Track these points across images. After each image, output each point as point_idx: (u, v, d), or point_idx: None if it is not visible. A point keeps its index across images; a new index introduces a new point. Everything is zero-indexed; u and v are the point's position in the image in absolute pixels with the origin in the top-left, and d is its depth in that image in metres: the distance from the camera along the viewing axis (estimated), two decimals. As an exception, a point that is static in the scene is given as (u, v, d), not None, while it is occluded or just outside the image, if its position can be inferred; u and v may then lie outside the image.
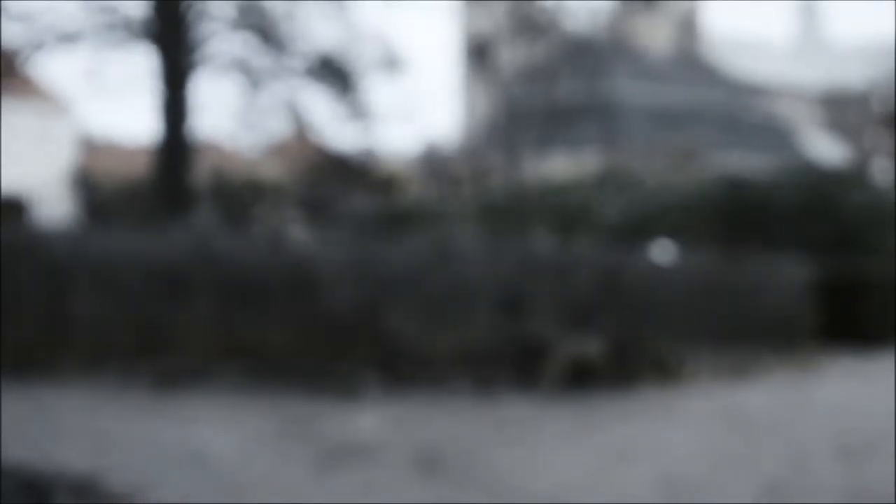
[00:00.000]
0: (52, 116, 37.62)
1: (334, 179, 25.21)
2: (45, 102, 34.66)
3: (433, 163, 28.47)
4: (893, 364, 8.97)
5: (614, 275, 7.69)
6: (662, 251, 9.32)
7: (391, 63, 21.29)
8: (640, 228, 16.28)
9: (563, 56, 9.72)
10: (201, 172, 28.70)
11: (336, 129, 22.17)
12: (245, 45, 21.64)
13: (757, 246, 14.97)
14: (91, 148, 46.17)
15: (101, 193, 34.67)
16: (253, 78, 21.48)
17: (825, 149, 51.70)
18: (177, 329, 6.76)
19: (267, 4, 20.79)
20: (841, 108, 63.21)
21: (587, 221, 13.97)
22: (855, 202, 14.82)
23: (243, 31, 21.26)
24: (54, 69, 53.68)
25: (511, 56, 11.35)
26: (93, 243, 6.96)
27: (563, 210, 16.09)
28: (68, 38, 19.80)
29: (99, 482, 3.92)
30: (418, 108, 26.59)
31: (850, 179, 15.11)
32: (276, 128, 23.90)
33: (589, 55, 9.48)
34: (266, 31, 21.01)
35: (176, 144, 20.46)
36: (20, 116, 31.08)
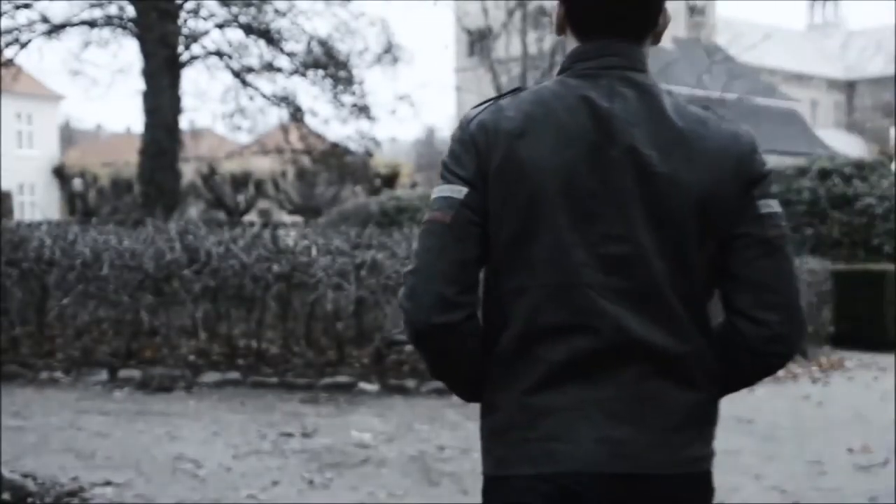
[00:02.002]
0: (39, 109, 37.67)
1: (331, 172, 25.11)
2: (31, 95, 34.71)
3: (431, 155, 28.29)
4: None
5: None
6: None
7: (389, 53, 21.13)
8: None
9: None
10: (194, 165, 28.54)
11: (333, 121, 22.05)
12: (238, 39, 21.53)
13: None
14: (77, 141, 46.12)
15: (87, 188, 34.71)
16: (247, 71, 21.35)
17: (841, 141, 51.28)
18: (166, 331, 6.61)
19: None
20: (859, 98, 62.60)
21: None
22: (872, 198, 14.49)
23: (236, 28, 21.13)
24: (41, 62, 54.20)
25: (511, 47, 11.12)
26: (78, 240, 6.78)
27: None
28: (56, 30, 19.77)
29: (85, 493, 3.81)
30: (416, 98, 26.51)
31: (867, 174, 14.78)
32: (272, 120, 23.81)
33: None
34: (260, 28, 20.86)
35: (163, 139, 20.38)
36: (5, 108, 31.15)
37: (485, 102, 1.43)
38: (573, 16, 1.40)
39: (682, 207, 1.35)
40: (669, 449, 1.34)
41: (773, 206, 1.47)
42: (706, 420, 1.39)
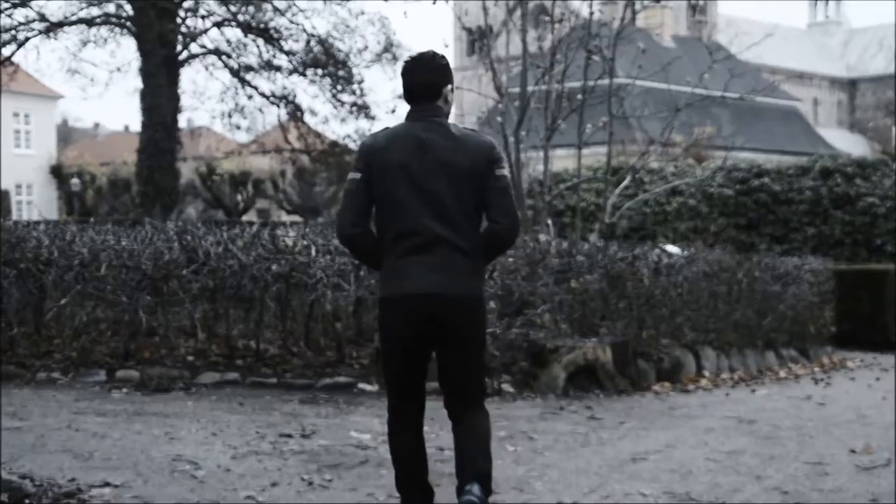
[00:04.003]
0: (37, 108, 37.52)
1: (330, 171, 25.01)
2: (29, 94, 34.56)
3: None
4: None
5: (622, 275, 7.46)
6: (673, 250, 9.06)
7: (388, 52, 21.03)
8: (649, 226, 16.02)
9: (570, 44, 9.45)
10: (192, 164, 28.33)
11: (332, 120, 21.90)
12: (237, 38, 21.38)
13: (772, 243, 14.65)
14: (75, 140, 45.76)
15: (85, 187, 34.49)
16: (245, 70, 21.21)
17: (843, 140, 51.11)
18: (164, 332, 6.57)
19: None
20: (860, 96, 62.34)
21: (594, 219, 13.69)
22: (875, 197, 14.41)
23: (234, 26, 20.99)
24: (39, 60, 54.05)
25: (511, 45, 11.10)
26: (76, 240, 6.74)
27: (569, 207, 15.84)
28: (53, 29, 19.66)
29: (82, 495, 3.77)
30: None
31: (869, 173, 14.69)
32: (271, 119, 23.68)
33: (597, 43, 9.19)
34: (258, 27, 20.74)
35: (161, 138, 20.27)
36: (3, 107, 31.02)
37: (373, 134, 3.34)
38: (406, 95, 3.29)
39: (460, 175, 3.15)
40: (457, 283, 3.13)
41: (503, 171, 3.26)
42: (476, 273, 3.23)
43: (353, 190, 3.19)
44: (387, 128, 3.29)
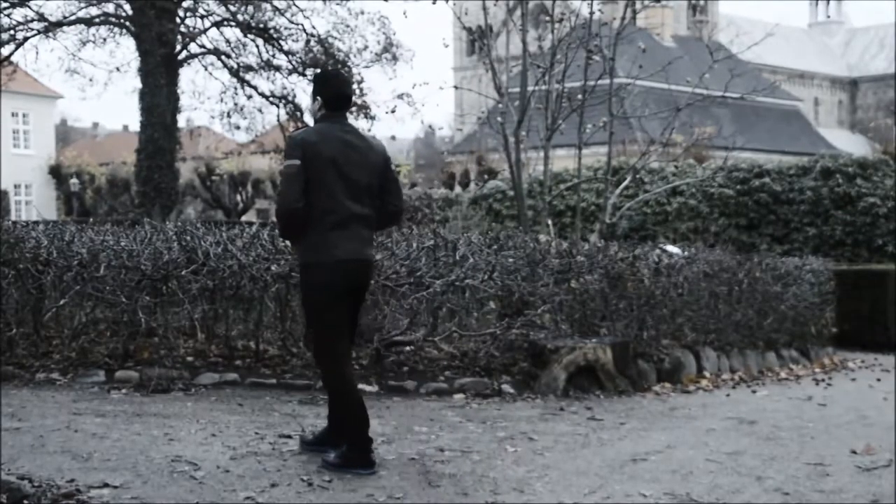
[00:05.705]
0: (36, 108, 37.45)
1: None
2: (28, 94, 34.48)
3: (430, 155, 28.05)
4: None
5: (623, 276, 7.45)
6: (674, 250, 9.04)
7: (388, 52, 21.01)
8: (649, 226, 16.01)
9: (570, 44, 9.44)
10: (192, 164, 28.22)
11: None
12: (236, 37, 21.33)
13: (773, 243, 14.64)
14: (74, 140, 45.64)
15: (84, 187, 34.38)
16: (245, 70, 21.17)
17: (844, 139, 51.07)
18: (163, 332, 6.55)
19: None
20: (861, 96, 62.34)
21: (595, 220, 13.68)
22: (876, 197, 14.39)
23: (234, 27, 20.95)
24: (38, 60, 54.09)
25: (511, 45, 11.10)
26: (75, 240, 6.72)
27: (569, 208, 15.84)
28: (52, 28, 19.63)
29: (81, 496, 3.76)
30: (415, 97, 26.37)
31: (870, 173, 14.67)
32: (270, 119, 23.63)
33: (597, 43, 9.19)
34: (258, 26, 20.70)
35: (161, 138, 20.23)
36: (2, 107, 30.92)
37: (304, 130, 4.35)
38: (327, 106, 4.35)
39: (372, 168, 4.32)
40: (366, 250, 4.31)
41: (394, 166, 4.45)
42: (373, 242, 4.52)
43: (294, 174, 4.12)
44: (310, 127, 4.37)
